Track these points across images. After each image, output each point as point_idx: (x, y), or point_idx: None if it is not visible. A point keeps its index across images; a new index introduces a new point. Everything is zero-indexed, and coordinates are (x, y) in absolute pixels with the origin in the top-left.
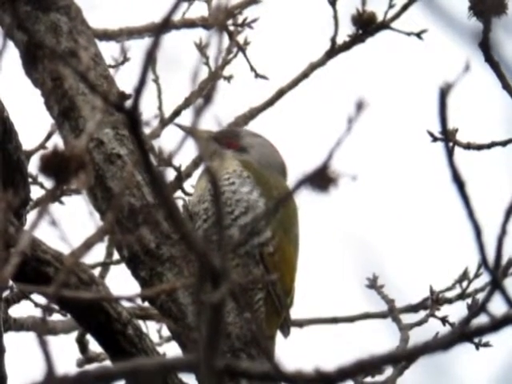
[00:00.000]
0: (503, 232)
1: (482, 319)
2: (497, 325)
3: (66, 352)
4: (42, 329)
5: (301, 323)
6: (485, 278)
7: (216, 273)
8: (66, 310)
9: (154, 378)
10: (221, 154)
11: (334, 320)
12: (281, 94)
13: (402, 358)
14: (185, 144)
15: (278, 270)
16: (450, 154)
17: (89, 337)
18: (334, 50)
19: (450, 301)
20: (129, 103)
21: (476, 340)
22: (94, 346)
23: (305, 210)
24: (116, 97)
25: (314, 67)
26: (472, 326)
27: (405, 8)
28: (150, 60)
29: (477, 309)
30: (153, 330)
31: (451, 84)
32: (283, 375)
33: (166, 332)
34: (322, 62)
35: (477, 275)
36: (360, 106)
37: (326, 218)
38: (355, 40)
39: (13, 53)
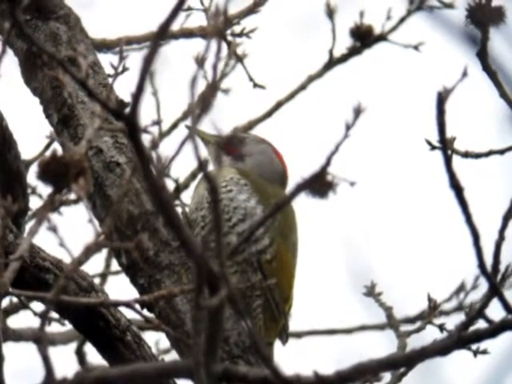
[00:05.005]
0: (501, 238)
1: (479, 325)
2: (494, 330)
3: (64, 363)
4: (41, 334)
5: (299, 334)
6: (482, 290)
7: (214, 279)
8: (65, 316)
9: (152, 382)
10: (219, 161)
11: (332, 332)
12: (279, 105)
13: (400, 363)
14: (182, 153)
15: (275, 277)
16: (447, 160)
17: (87, 348)
18: (332, 62)
19: (447, 313)
20: (128, 110)
21: (474, 347)
22: (93, 358)
23: (303, 217)
24: (115, 104)
25: (311, 79)
26: (469, 331)
27: (402, 20)
28: (148, 67)
29: (474, 314)
30: (150, 342)
31: (449, 92)
32: (282, 380)
33: (163, 344)
34: (319, 74)
35: (474, 287)
36: (358, 112)
37: (323, 225)
38: (353, 52)
39: (12, 61)
